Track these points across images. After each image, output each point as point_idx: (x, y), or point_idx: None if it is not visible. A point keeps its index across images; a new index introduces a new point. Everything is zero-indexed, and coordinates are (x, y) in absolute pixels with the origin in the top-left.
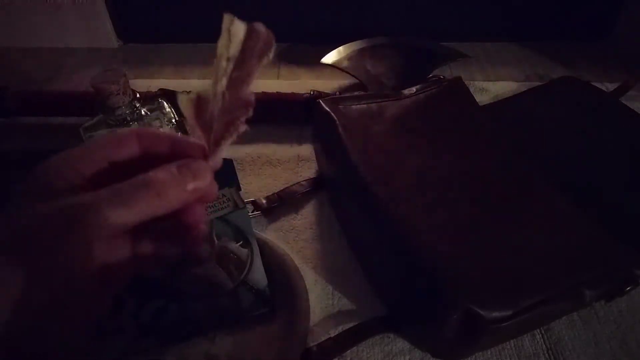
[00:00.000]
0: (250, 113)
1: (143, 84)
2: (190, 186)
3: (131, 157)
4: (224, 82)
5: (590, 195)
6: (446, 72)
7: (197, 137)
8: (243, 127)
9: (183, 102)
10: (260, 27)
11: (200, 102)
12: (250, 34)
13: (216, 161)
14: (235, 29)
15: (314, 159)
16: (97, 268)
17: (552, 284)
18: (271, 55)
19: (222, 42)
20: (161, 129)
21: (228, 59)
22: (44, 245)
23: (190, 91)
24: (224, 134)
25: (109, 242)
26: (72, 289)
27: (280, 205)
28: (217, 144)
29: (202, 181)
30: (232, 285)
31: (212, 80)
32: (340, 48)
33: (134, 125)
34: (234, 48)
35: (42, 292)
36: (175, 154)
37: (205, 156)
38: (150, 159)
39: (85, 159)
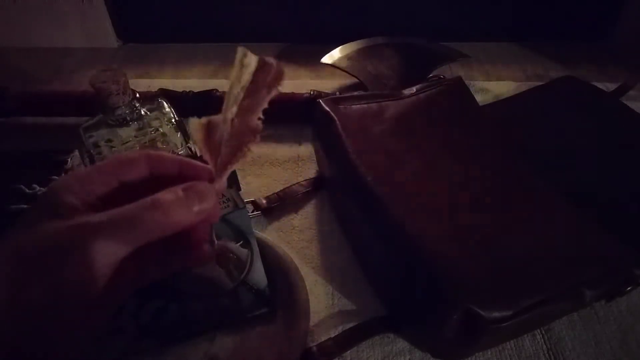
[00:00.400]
0: (258, 139)
1: (143, 84)
2: (196, 208)
3: (140, 178)
4: (234, 109)
5: (590, 195)
6: (446, 72)
7: (205, 160)
8: (249, 153)
9: (194, 125)
10: (271, 60)
11: (210, 127)
12: (262, 66)
13: (221, 184)
14: (248, 61)
15: (314, 159)
16: (101, 285)
17: (552, 284)
18: (281, 87)
19: (234, 72)
20: (169, 152)
21: (240, 89)
22: (50, 261)
23: (202, 117)
24: (231, 158)
25: (115, 262)
26: (75, 304)
27: (280, 205)
28: (223, 167)
29: (208, 203)
30: (232, 285)
31: (223, 107)
32: (340, 48)
33: (134, 125)
34: (246, 78)
35: (46, 305)
36: (183, 175)
37: (212, 179)
38: (158, 180)
39: (95, 179)
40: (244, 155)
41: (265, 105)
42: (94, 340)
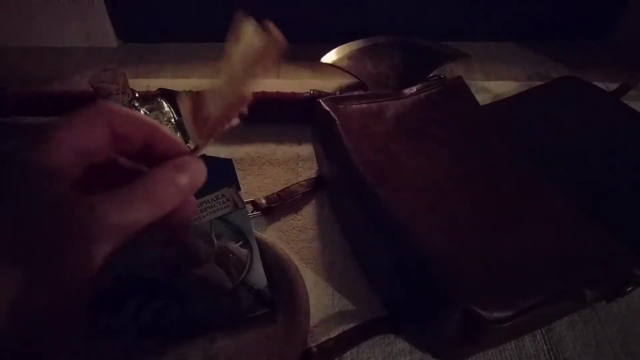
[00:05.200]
0: (245, 110)
1: (142, 84)
2: (187, 188)
3: (104, 142)
4: (224, 77)
5: (591, 195)
6: (447, 71)
7: (191, 132)
8: (236, 121)
9: (182, 98)
10: (271, 27)
11: (199, 99)
12: (261, 34)
13: (201, 150)
14: (246, 28)
15: (314, 159)
16: (92, 276)
17: (553, 284)
18: (279, 56)
19: (231, 38)
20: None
21: (236, 56)
22: (44, 250)
23: (191, 90)
24: (216, 126)
25: (105, 256)
26: (69, 290)
27: (280, 205)
28: (208, 135)
29: (199, 180)
30: (232, 285)
31: (218, 80)
32: (340, 48)
33: None
34: (243, 46)
35: (41, 294)
36: (148, 141)
37: (184, 152)
38: (123, 144)
39: (58, 153)
40: (229, 122)
41: (259, 76)
42: (92, 338)
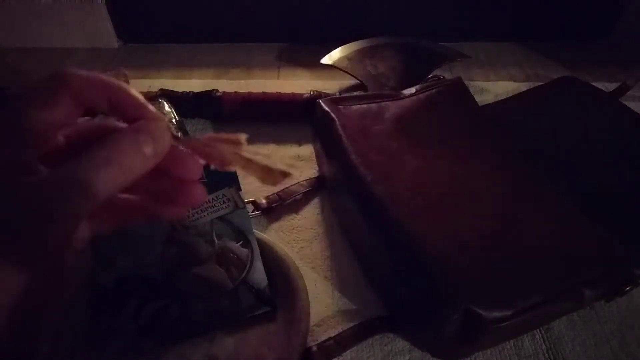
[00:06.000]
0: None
1: (143, 84)
2: (149, 151)
3: (68, 114)
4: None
5: (590, 196)
6: (446, 72)
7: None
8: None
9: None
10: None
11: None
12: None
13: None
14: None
15: (314, 159)
16: (65, 247)
17: (552, 284)
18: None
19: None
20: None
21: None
22: (6, 226)
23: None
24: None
25: (75, 226)
26: (48, 264)
27: (280, 205)
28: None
29: (162, 143)
30: (232, 285)
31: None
32: (340, 48)
33: None
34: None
35: (17, 273)
36: (113, 102)
37: (149, 116)
38: (88, 109)
39: (20, 132)
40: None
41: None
42: (92, 338)
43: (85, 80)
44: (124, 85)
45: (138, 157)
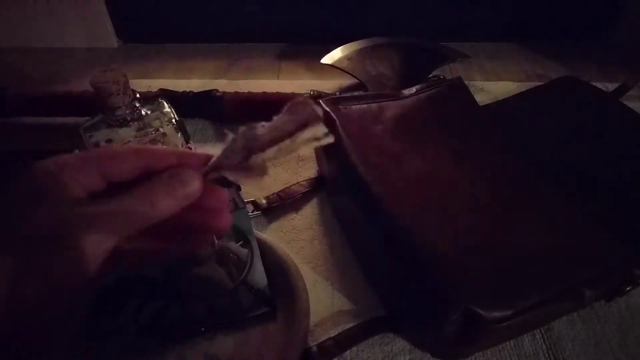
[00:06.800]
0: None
1: (143, 84)
2: (180, 194)
3: (132, 173)
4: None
5: (590, 195)
6: (446, 72)
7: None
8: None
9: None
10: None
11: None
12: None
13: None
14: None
15: (314, 159)
16: (91, 274)
17: (552, 284)
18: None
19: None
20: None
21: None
22: (44, 256)
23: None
24: (228, 167)
25: (105, 252)
26: (65, 294)
27: (280, 205)
28: (215, 168)
29: (192, 187)
30: (232, 285)
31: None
32: (340, 48)
33: (134, 125)
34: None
35: (31, 282)
36: (148, 168)
37: (200, 166)
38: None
39: (81, 170)
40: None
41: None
42: (92, 338)
43: (110, 155)
44: (150, 147)
45: (170, 198)
